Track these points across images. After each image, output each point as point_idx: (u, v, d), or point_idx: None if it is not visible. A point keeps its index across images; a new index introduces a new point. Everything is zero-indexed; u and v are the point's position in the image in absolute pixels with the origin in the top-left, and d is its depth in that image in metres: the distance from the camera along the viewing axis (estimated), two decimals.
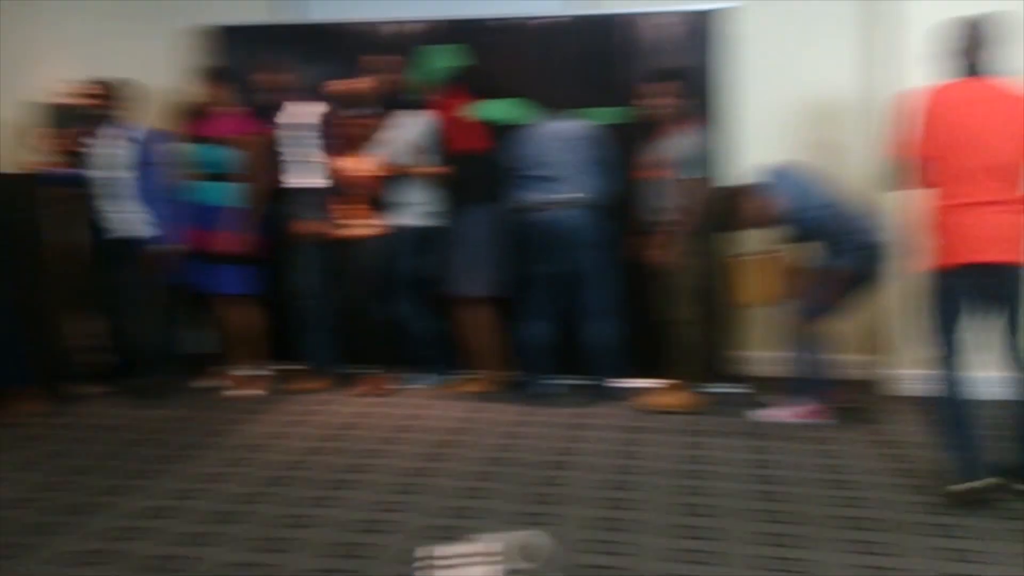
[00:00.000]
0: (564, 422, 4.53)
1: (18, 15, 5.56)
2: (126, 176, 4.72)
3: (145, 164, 4.73)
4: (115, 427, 4.46)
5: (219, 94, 4.89)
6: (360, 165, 4.84)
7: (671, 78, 4.56)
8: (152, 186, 4.74)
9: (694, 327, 4.64)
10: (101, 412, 4.70)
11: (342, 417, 4.64)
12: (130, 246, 4.77)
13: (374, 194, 4.85)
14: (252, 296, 5.04)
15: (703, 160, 4.62)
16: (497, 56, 5.09)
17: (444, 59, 5.15)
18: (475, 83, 4.94)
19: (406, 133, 4.85)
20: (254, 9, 5.63)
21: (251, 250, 4.93)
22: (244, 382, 5.07)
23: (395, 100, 4.93)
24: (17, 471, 3.84)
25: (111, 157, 4.74)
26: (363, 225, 4.88)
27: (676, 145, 4.50)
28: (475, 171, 4.87)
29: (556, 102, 4.81)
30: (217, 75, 4.94)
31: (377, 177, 4.83)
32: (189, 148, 4.93)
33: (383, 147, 4.85)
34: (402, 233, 4.93)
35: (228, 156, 4.84)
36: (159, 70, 5.42)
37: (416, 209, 4.91)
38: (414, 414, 4.69)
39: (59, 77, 5.26)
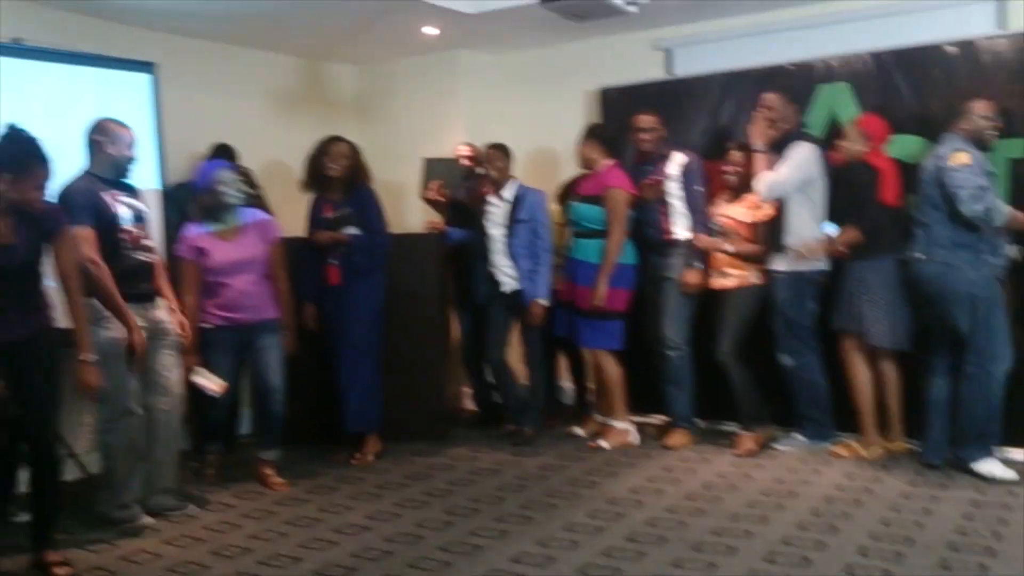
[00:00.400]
0: (983, 499, 3.96)
1: (429, 77, 6.29)
2: (505, 233, 5.03)
3: (522, 221, 5.00)
4: (487, 471, 4.70)
5: (594, 152, 5.03)
6: (744, 211, 4.72)
7: None
8: (529, 242, 5.00)
9: None
10: (477, 457, 4.99)
11: (707, 476, 4.48)
12: (510, 300, 5.06)
13: (756, 240, 4.69)
14: (619, 349, 5.07)
15: None
16: (905, 89, 4.79)
17: (840, 99, 4.93)
18: (883, 120, 4.60)
19: (795, 173, 4.61)
20: (653, 67, 5.80)
21: (621, 305, 4.96)
22: (611, 433, 5.10)
23: (786, 141, 4.72)
24: (404, 508, 4.17)
25: (494, 215, 5.09)
26: (742, 274, 4.74)
27: None
28: (885, 217, 4.47)
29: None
30: (594, 134, 5.09)
31: (760, 223, 4.66)
32: (568, 205, 5.14)
33: (769, 191, 4.64)
34: (785, 279, 4.69)
35: (599, 212, 4.94)
36: (558, 130, 5.82)
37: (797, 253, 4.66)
38: (787, 478, 4.40)
39: (460, 138, 5.80)
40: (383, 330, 4.93)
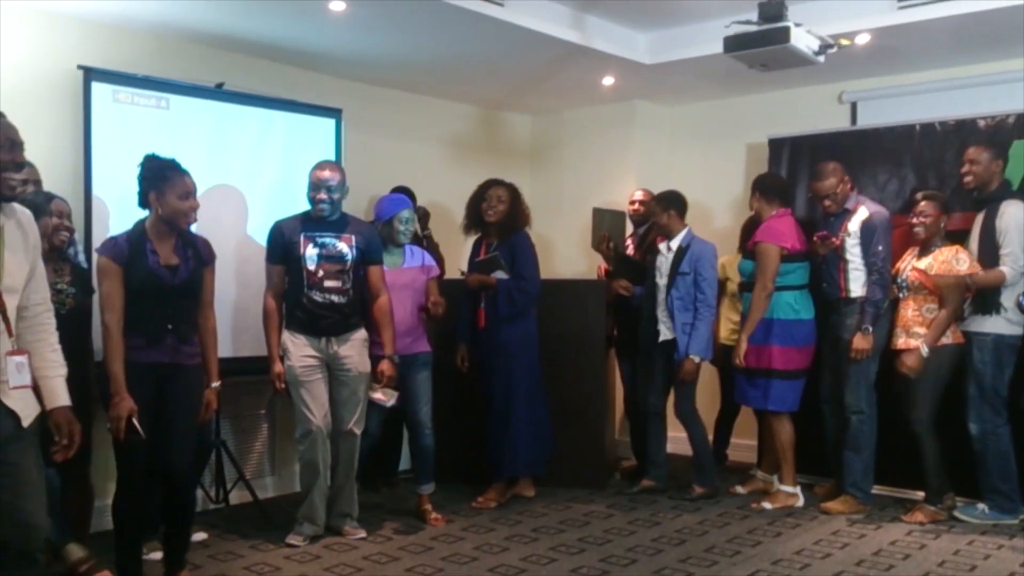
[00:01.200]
0: None
1: (603, 127, 6.38)
2: (666, 283, 4.95)
3: (683, 273, 4.89)
4: (645, 523, 4.59)
5: (758, 203, 4.94)
6: (940, 267, 4.44)
7: None
8: (689, 295, 4.87)
9: None
10: (634, 507, 4.88)
11: (879, 543, 4.22)
12: (667, 351, 4.96)
13: (953, 299, 4.39)
14: (792, 411, 4.87)
15: None
16: None
17: None
18: None
19: (1003, 228, 4.36)
20: (834, 117, 5.69)
21: (794, 364, 4.78)
22: (777, 496, 4.89)
23: (987, 195, 4.50)
24: (560, 553, 4.13)
25: (660, 263, 5.03)
26: (932, 330, 4.42)
27: None
28: None
29: None
30: (756, 185, 5.00)
31: (954, 279, 4.38)
32: (739, 259, 5.05)
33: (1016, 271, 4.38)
34: (987, 342, 4.41)
35: (754, 267, 4.82)
36: (724, 182, 5.77)
37: (1007, 315, 4.38)
38: (966, 550, 4.09)
39: (630, 188, 5.83)
40: (538, 376, 4.93)
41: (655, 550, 4.14)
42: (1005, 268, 4.34)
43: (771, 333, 4.77)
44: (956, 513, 4.53)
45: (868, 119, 5.58)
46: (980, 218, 4.48)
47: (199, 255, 3.49)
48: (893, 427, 4.64)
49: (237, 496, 4.81)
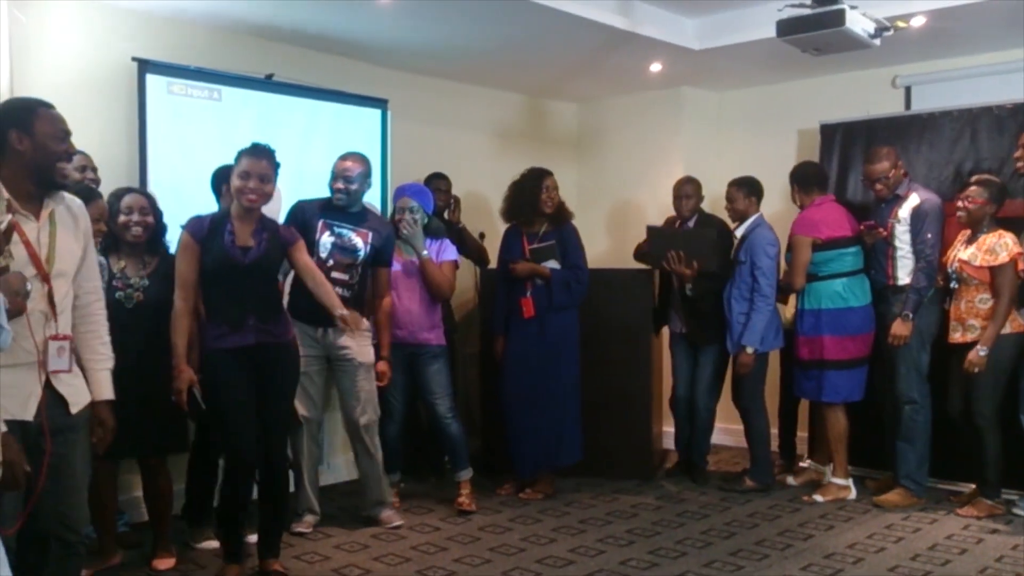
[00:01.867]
0: None
1: (649, 114, 6.33)
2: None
3: (742, 262, 4.82)
4: (694, 515, 4.55)
5: (796, 194, 4.88)
6: (984, 257, 4.32)
7: None
8: (747, 285, 4.80)
9: None
10: (683, 499, 4.85)
11: (935, 537, 4.15)
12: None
13: (1005, 288, 4.26)
14: (845, 401, 4.80)
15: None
16: None
17: None
18: None
19: None
20: (887, 101, 5.58)
21: (845, 353, 4.70)
22: (829, 489, 4.82)
23: None
24: (608, 544, 4.11)
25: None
26: (991, 324, 4.29)
27: None
28: None
29: None
30: (793, 175, 4.93)
31: (1006, 268, 4.25)
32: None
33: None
34: None
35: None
36: (774, 167, 5.67)
37: None
38: (1021, 544, 4.01)
39: (677, 176, 5.72)
40: (582, 368, 4.89)
41: (704, 543, 4.11)
42: None
43: (821, 323, 4.69)
44: (1015, 510, 4.43)
45: (922, 103, 5.44)
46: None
47: (276, 237, 3.55)
48: (945, 419, 4.54)
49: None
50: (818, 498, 4.76)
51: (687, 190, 5.12)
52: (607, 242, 6.45)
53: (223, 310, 3.46)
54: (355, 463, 4.44)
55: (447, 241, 4.70)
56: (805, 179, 4.88)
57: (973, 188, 4.39)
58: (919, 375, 4.58)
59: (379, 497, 4.37)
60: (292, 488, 3.99)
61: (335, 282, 4.07)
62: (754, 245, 4.81)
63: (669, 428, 5.70)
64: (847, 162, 5.36)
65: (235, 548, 3.59)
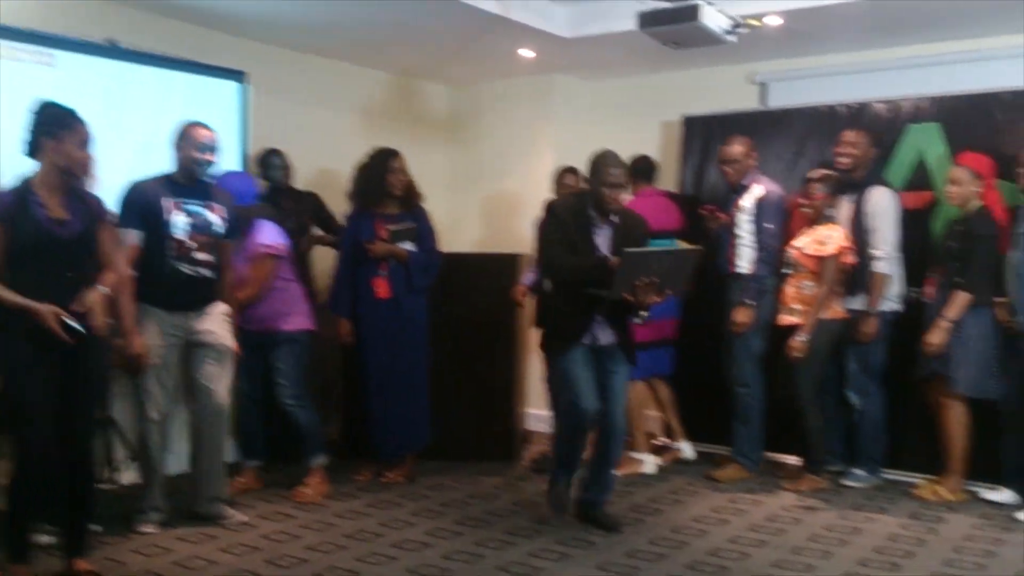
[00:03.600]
0: None
1: (522, 100, 6.35)
2: None
3: None
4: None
5: (634, 183, 4.98)
6: (812, 244, 4.56)
7: None
8: None
9: None
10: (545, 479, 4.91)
11: (773, 509, 4.37)
12: None
13: (826, 277, 4.53)
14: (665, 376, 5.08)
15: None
16: (997, 132, 4.65)
17: (929, 139, 4.82)
18: (988, 158, 4.46)
19: (892, 230, 4.60)
20: (745, 97, 5.78)
21: (657, 334, 4.92)
22: (626, 462, 4.88)
23: (863, 179, 4.70)
24: (465, 526, 4.13)
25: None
26: (809, 310, 4.56)
27: None
28: (998, 268, 4.34)
29: None
30: (635, 167, 5.04)
31: (830, 260, 4.51)
32: None
33: (888, 263, 4.60)
34: (857, 319, 4.61)
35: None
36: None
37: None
38: (852, 515, 4.30)
39: (549, 163, 5.79)
40: (445, 352, 4.88)
41: (561, 521, 4.17)
42: (877, 251, 4.56)
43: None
44: (845, 480, 4.73)
45: (778, 100, 5.66)
46: (851, 203, 4.66)
47: (90, 210, 3.29)
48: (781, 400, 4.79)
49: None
50: (615, 473, 4.86)
51: (568, 180, 5.11)
52: (478, 227, 6.47)
53: (40, 289, 3.13)
54: (194, 456, 4.16)
55: (266, 224, 4.46)
56: (634, 170, 4.99)
57: (814, 184, 4.60)
58: (752, 359, 4.80)
59: (218, 492, 4.15)
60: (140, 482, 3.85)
61: (202, 263, 3.92)
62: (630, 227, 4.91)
63: (532, 410, 5.79)
64: (707, 155, 5.55)
65: (24, 547, 3.30)
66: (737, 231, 4.78)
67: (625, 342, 4.04)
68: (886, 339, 4.64)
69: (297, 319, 4.53)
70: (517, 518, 4.23)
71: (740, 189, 4.82)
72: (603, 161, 3.95)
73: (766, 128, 5.32)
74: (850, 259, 4.57)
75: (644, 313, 3.89)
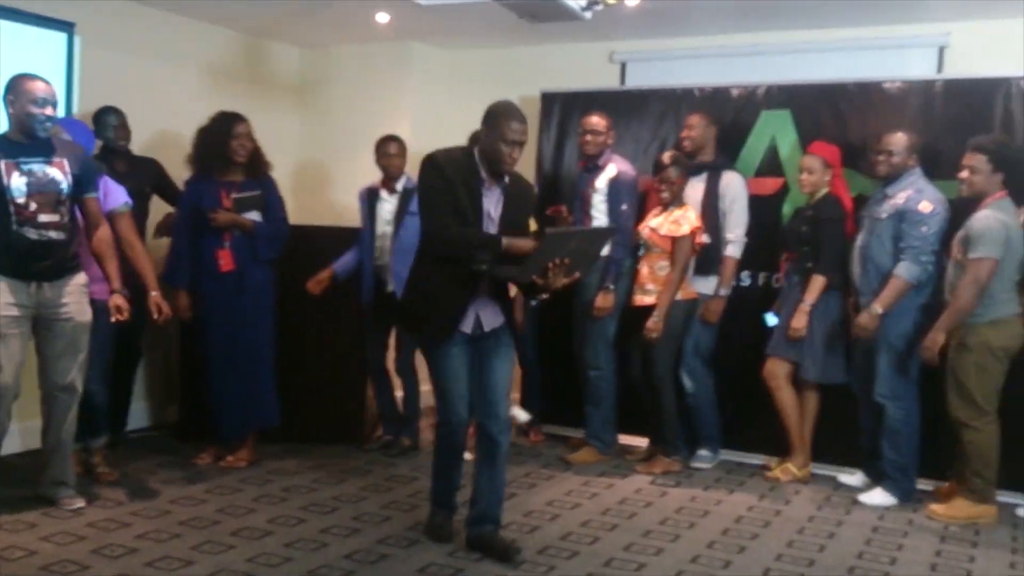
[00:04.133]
0: (884, 525, 4.02)
1: (378, 66, 6.11)
2: (391, 229, 4.75)
3: (412, 213, 4.62)
4: (404, 478, 4.51)
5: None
6: (668, 227, 4.59)
7: (977, 149, 4.03)
8: (413, 237, 4.55)
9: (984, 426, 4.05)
10: (394, 463, 4.79)
11: (626, 492, 4.40)
12: (394, 301, 4.63)
13: (680, 258, 4.57)
14: None
15: (987, 240, 3.94)
16: (845, 122, 4.79)
17: (781, 126, 4.92)
18: (836, 147, 4.60)
19: (744, 213, 4.71)
20: (604, 75, 5.74)
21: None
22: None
23: (714, 162, 4.79)
24: (310, 512, 3.96)
25: (385, 210, 4.81)
26: (665, 291, 4.59)
27: (968, 222, 4.00)
28: (846, 254, 4.48)
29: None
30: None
31: (685, 240, 4.55)
32: None
33: (739, 247, 4.71)
34: (702, 302, 4.72)
35: None
36: None
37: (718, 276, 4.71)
38: (702, 497, 4.39)
39: (405, 131, 5.55)
40: (290, 328, 4.68)
41: (411, 505, 4.08)
42: (730, 235, 4.68)
43: None
44: (692, 463, 4.83)
45: (636, 80, 5.68)
46: (702, 185, 4.75)
47: None
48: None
49: None
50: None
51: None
52: (331, 196, 6.21)
53: None
54: (43, 435, 3.87)
55: (109, 181, 4.09)
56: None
57: (670, 170, 4.61)
58: (605, 343, 4.82)
59: (63, 476, 3.88)
60: None
61: (46, 226, 3.59)
62: None
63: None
64: (564, 132, 5.50)
65: None
66: (593, 212, 4.76)
67: (511, 322, 3.55)
68: (719, 324, 4.77)
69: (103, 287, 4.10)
70: (366, 503, 4.09)
71: (594, 169, 4.80)
72: (503, 113, 3.32)
73: (624, 108, 5.31)
74: (702, 240, 4.63)
75: (545, 296, 3.40)
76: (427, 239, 3.40)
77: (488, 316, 3.44)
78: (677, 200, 4.62)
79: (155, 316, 3.96)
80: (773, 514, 4.15)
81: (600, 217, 4.74)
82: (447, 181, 3.31)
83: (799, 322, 4.43)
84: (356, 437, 5.06)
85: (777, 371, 4.56)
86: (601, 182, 4.74)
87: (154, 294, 3.98)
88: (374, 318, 4.84)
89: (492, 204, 3.39)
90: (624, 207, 4.70)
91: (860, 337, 4.28)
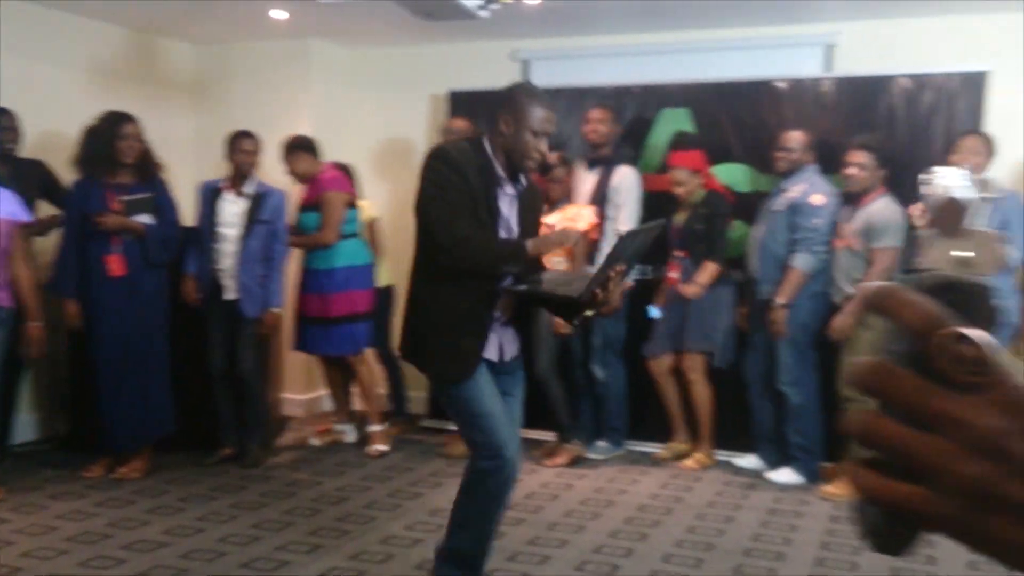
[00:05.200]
0: (779, 508, 4.12)
1: (276, 64, 5.99)
2: (241, 234, 4.57)
3: (262, 222, 4.58)
4: (306, 483, 4.42)
5: (304, 163, 4.84)
6: (568, 223, 4.60)
7: (863, 147, 4.25)
8: (262, 246, 4.57)
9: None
10: (298, 467, 4.69)
11: (532, 486, 4.40)
12: (233, 308, 4.56)
13: (581, 254, 4.59)
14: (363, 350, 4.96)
15: (891, 231, 4.16)
16: (737, 119, 4.90)
17: (681, 124, 5.01)
18: (696, 151, 4.71)
19: (635, 206, 4.76)
20: (509, 74, 5.63)
21: (361, 306, 4.83)
22: (377, 437, 4.92)
23: (602, 157, 4.83)
24: (207, 522, 3.85)
25: (229, 213, 4.62)
26: None
27: (864, 215, 4.20)
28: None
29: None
30: (298, 146, 4.88)
31: (586, 235, 4.57)
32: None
33: (587, 203, 4.73)
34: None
35: (317, 219, 4.77)
36: (406, 129, 5.61)
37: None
38: (606, 487, 4.42)
39: (306, 130, 5.42)
40: (186, 334, 4.55)
41: (313, 511, 4.00)
42: (624, 228, 4.67)
43: (335, 280, 4.76)
44: (589, 454, 4.87)
45: (540, 79, 5.67)
46: (595, 178, 4.80)
47: None
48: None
49: None
50: (315, 441, 4.99)
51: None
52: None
53: None
54: None
55: (3, 191, 3.96)
56: (312, 147, 4.90)
57: (559, 170, 4.67)
58: None
59: None
60: None
61: None
62: (279, 206, 4.66)
63: (289, 395, 5.54)
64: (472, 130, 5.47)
65: None
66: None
67: (525, 350, 3.00)
68: (624, 314, 4.81)
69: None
70: (266, 510, 3.99)
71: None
72: (528, 96, 2.78)
73: None
74: (596, 236, 4.66)
75: (592, 313, 2.75)
76: (447, 251, 2.68)
77: (508, 342, 2.86)
78: (567, 197, 4.65)
79: (29, 348, 3.80)
80: (675, 501, 4.22)
81: None
82: (466, 181, 2.69)
83: (691, 291, 4.55)
84: (258, 443, 4.87)
85: (696, 365, 4.67)
86: None
87: (32, 324, 3.81)
88: (212, 324, 4.63)
89: (507, 207, 2.82)
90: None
91: (836, 338, 4.30)
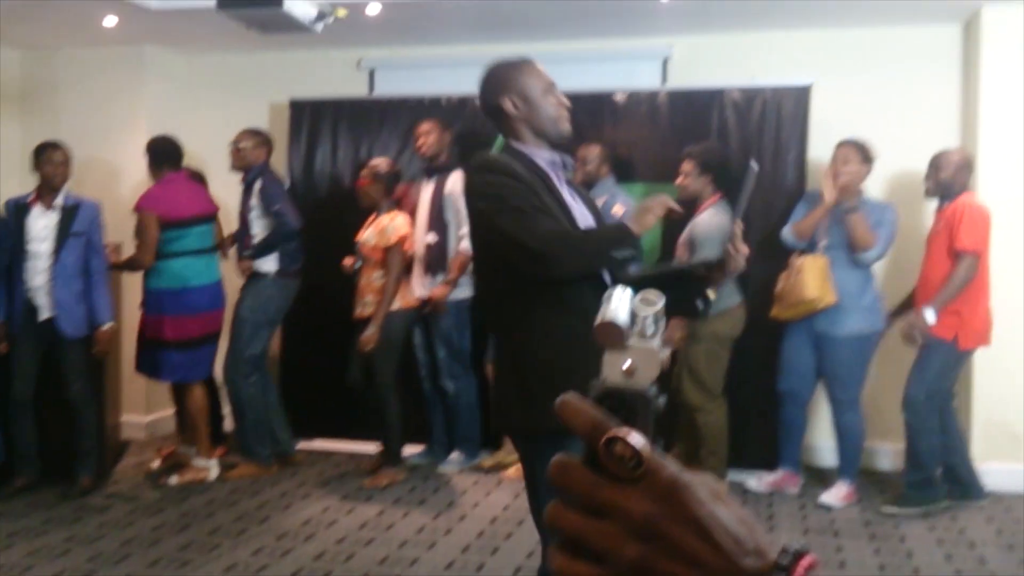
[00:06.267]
0: None
1: (108, 71, 5.73)
2: (46, 248, 4.35)
3: (76, 235, 4.38)
4: (149, 510, 4.26)
5: (153, 171, 4.73)
6: (376, 238, 4.57)
7: (691, 157, 4.42)
8: (78, 259, 4.37)
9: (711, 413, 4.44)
10: (138, 495, 4.50)
11: (383, 504, 4.37)
12: (46, 328, 4.35)
13: (393, 267, 4.55)
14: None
15: (710, 242, 4.26)
16: (579, 130, 4.91)
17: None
18: None
19: (451, 194, 4.71)
20: (353, 83, 5.67)
21: (189, 332, 4.62)
22: (189, 469, 4.71)
23: (437, 165, 4.84)
24: (37, 557, 3.66)
25: (40, 228, 4.38)
26: (379, 301, 4.55)
27: (691, 225, 4.34)
28: None
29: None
30: (152, 150, 4.76)
31: (395, 249, 4.54)
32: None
33: (426, 211, 4.73)
34: (449, 307, 4.76)
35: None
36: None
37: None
38: (459, 501, 4.43)
39: (141, 138, 5.20)
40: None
41: (153, 540, 3.87)
42: (462, 231, 4.66)
43: (161, 304, 4.60)
44: (441, 467, 4.86)
45: (385, 88, 5.66)
46: (431, 187, 4.83)
47: None
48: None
49: None
50: (174, 480, 4.64)
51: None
52: None
53: None
54: None
55: None
56: (156, 154, 4.74)
57: (365, 171, 4.68)
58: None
59: None
60: None
61: None
62: (93, 217, 4.47)
63: (131, 417, 5.32)
64: (315, 140, 5.43)
65: None
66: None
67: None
68: (469, 325, 4.82)
69: None
70: (102, 542, 3.82)
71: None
72: (511, 65, 2.50)
73: (373, 116, 5.29)
74: (411, 246, 4.65)
75: (712, 295, 2.36)
76: (540, 257, 2.17)
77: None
78: (383, 205, 4.61)
79: None
80: (526, 512, 4.24)
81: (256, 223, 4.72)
82: (528, 184, 2.26)
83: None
84: (96, 471, 4.62)
85: None
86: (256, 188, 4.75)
87: None
88: (21, 346, 4.38)
89: (570, 198, 2.39)
90: (277, 207, 4.68)
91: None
